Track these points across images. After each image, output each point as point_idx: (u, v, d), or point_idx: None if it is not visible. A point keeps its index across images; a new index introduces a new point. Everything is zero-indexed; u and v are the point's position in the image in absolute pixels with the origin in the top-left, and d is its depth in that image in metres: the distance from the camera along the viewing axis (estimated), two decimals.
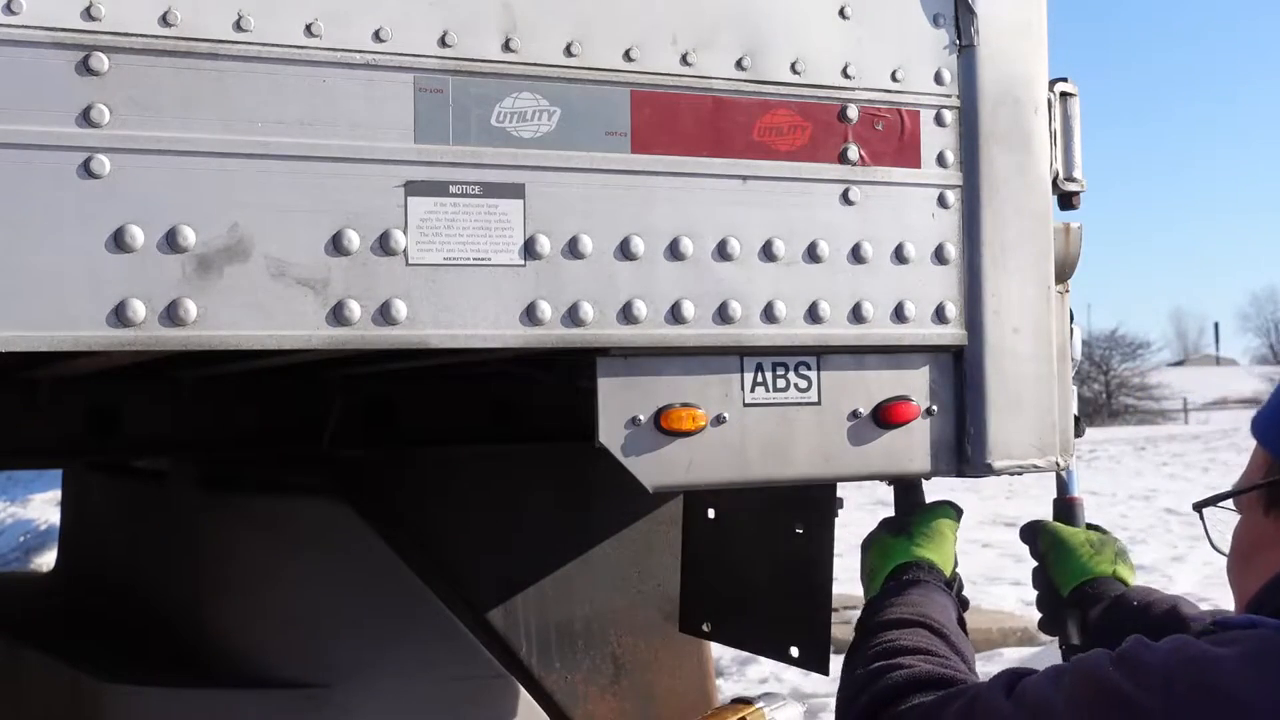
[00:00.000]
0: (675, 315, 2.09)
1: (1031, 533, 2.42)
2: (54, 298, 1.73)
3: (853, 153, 2.23)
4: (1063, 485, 2.48)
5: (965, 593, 2.30)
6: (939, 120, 2.30)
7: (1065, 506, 2.46)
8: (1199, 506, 1.64)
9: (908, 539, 2.25)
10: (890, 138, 2.26)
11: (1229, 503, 1.59)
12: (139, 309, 1.76)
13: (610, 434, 2.07)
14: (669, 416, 2.10)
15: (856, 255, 2.22)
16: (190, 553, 3.25)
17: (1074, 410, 2.43)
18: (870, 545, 2.31)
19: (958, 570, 2.29)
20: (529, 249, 2.00)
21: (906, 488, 2.43)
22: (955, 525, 2.33)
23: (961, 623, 2.05)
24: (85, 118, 1.75)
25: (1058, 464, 2.39)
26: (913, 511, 2.37)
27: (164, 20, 1.80)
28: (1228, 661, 1.26)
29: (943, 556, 2.23)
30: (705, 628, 2.96)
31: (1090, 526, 2.45)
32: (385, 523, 2.97)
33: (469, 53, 1.98)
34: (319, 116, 1.88)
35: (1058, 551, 2.35)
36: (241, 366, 2.77)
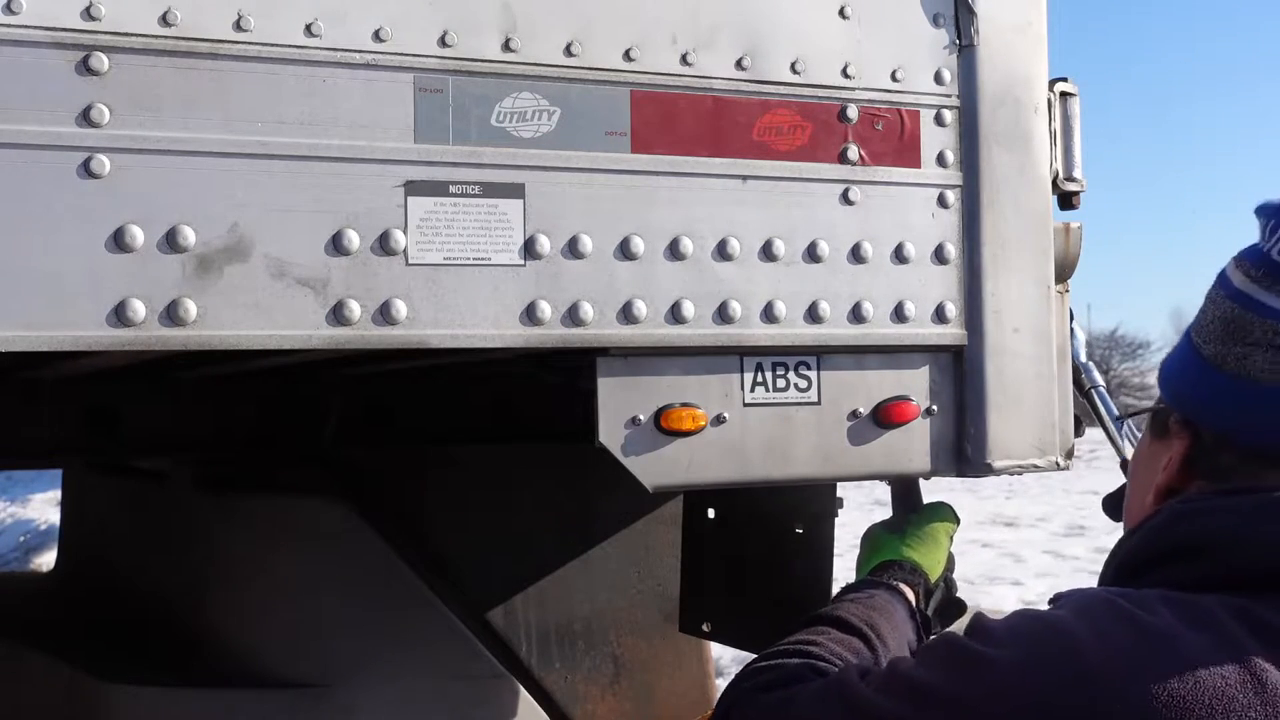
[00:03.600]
0: (675, 315, 2.09)
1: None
2: (54, 298, 1.73)
3: (853, 153, 2.23)
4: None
5: (963, 594, 2.29)
6: (939, 120, 2.30)
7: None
8: (1121, 418, 1.70)
9: (899, 538, 2.25)
10: (890, 138, 2.26)
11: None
12: (139, 309, 1.76)
13: (610, 434, 2.07)
14: (669, 416, 2.10)
15: (856, 255, 2.22)
16: (190, 552, 3.26)
17: (1110, 410, 2.44)
18: (865, 539, 2.32)
19: (949, 575, 2.28)
20: (529, 249, 2.00)
21: (904, 489, 2.43)
22: (952, 529, 2.32)
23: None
24: (85, 118, 1.75)
25: (1057, 464, 2.39)
26: (912, 510, 2.36)
27: (164, 20, 1.80)
28: (1062, 615, 1.31)
29: (931, 560, 2.22)
30: (705, 628, 2.96)
31: None
32: (385, 522, 2.97)
33: (469, 53, 1.98)
34: (319, 116, 1.88)
35: None
36: (241, 366, 2.77)
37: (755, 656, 1.73)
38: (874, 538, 2.29)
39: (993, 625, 1.32)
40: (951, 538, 2.32)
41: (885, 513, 2.42)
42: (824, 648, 1.76)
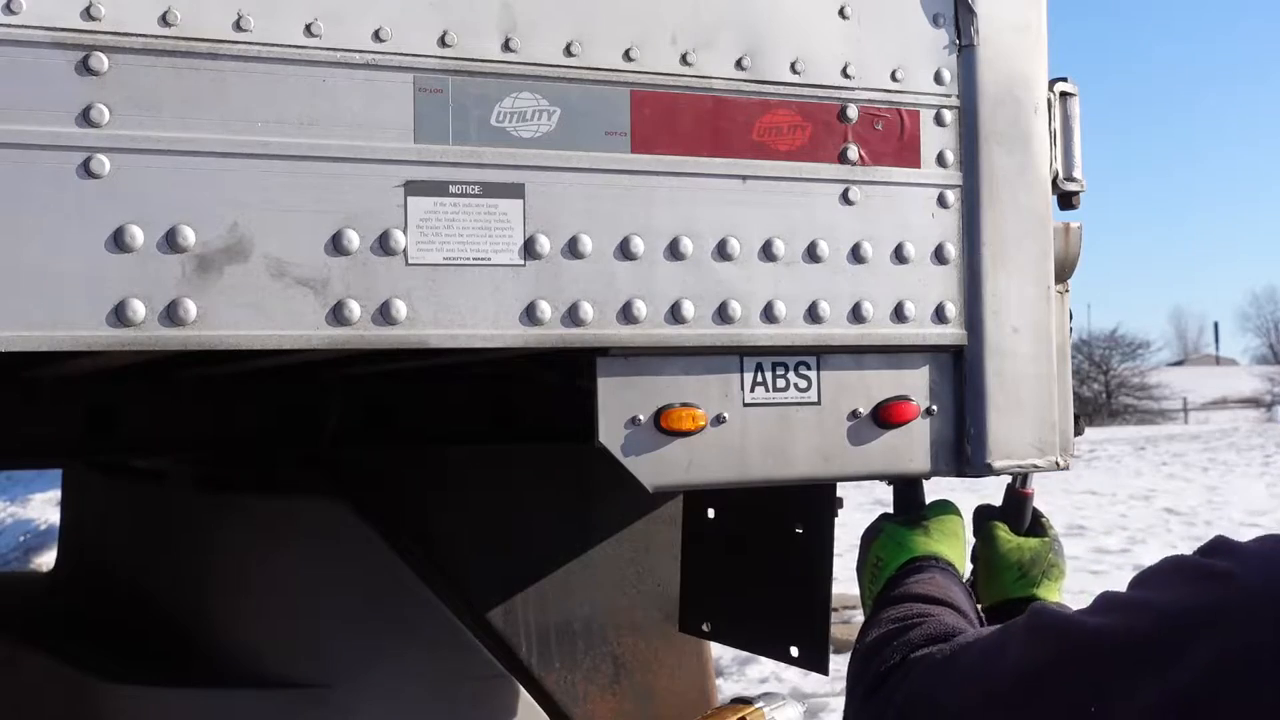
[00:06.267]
0: (675, 315, 2.09)
1: (975, 525, 2.39)
2: (54, 298, 1.73)
3: (853, 153, 2.23)
4: (1022, 477, 2.44)
5: None
6: (939, 120, 2.30)
7: (1016, 499, 2.43)
8: None
9: (924, 533, 2.21)
10: (890, 138, 2.26)
11: None
12: (139, 309, 1.76)
13: (610, 434, 2.07)
14: (669, 416, 2.10)
15: (856, 255, 2.22)
16: (190, 552, 3.26)
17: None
18: (875, 536, 2.26)
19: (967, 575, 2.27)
20: (529, 249, 2.00)
21: (907, 485, 2.42)
22: (963, 523, 2.31)
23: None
24: (85, 118, 1.75)
25: (1057, 464, 2.39)
26: (919, 508, 2.35)
27: (164, 20, 1.80)
28: None
29: (956, 555, 2.20)
30: (705, 628, 2.96)
31: (1035, 520, 2.41)
32: (385, 523, 2.97)
33: (469, 53, 1.98)
34: (319, 116, 1.88)
35: (986, 566, 2.32)
36: (241, 366, 2.77)
37: (862, 639, 1.73)
38: (892, 534, 2.23)
39: (1236, 544, 1.33)
40: (964, 533, 2.31)
41: (885, 512, 2.41)
42: (928, 610, 1.75)
